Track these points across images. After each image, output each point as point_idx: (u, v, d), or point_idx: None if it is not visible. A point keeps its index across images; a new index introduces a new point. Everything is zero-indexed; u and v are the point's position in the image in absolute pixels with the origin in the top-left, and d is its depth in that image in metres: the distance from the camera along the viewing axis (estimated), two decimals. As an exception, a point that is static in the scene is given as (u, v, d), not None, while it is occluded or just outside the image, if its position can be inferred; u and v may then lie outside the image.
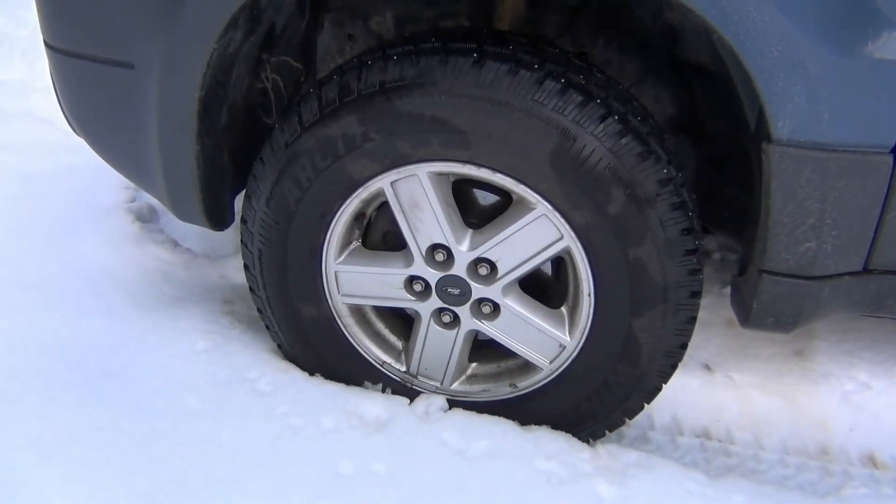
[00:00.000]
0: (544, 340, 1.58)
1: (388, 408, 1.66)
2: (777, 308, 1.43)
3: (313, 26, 1.79)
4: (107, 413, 1.61)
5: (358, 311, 1.71)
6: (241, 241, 1.68)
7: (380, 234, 1.65)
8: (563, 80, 1.36)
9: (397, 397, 1.70)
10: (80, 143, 1.85)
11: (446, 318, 1.63)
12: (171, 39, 1.44)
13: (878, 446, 1.82)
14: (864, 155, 1.26)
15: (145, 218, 2.42)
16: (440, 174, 1.48)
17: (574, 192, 1.41)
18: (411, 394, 1.72)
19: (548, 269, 1.63)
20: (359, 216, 1.60)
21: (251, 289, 1.73)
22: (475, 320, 1.61)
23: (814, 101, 1.23)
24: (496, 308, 1.59)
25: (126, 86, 1.55)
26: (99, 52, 1.55)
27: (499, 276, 1.54)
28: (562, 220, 1.44)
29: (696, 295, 1.48)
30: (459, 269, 1.55)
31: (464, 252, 1.53)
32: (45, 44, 1.67)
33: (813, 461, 1.79)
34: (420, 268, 1.57)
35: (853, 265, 1.38)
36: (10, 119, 3.01)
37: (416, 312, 1.65)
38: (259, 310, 1.75)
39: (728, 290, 1.95)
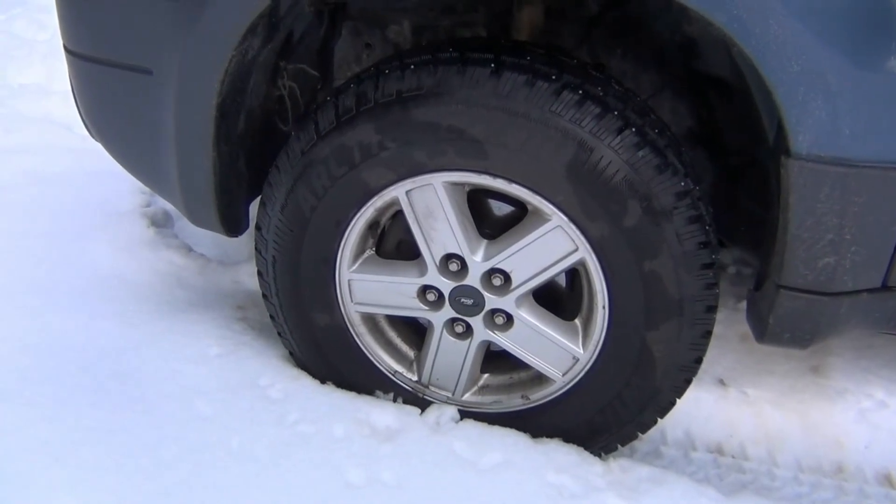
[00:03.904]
0: (557, 352, 1.57)
1: (399, 417, 1.66)
2: (794, 324, 1.42)
3: (331, 35, 1.79)
4: (117, 416, 1.61)
5: (370, 320, 1.70)
6: (255, 247, 1.68)
7: (394, 243, 1.65)
8: (580, 92, 1.36)
9: (408, 407, 1.70)
10: (97, 147, 1.86)
11: (459, 329, 1.62)
12: (190, 46, 1.45)
13: (894, 465, 1.80)
14: (885, 170, 1.25)
15: (160, 223, 2.44)
16: (455, 184, 1.48)
17: (590, 204, 1.40)
18: (422, 404, 1.71)
19: (562, 281, 1.62)
20: (373, 225, 1.60)
21: (264, 295, 1.73)
22: (488, 331, 1.60)
23: (834, 116, 1.21)
24: (509, 319, 1.58)
25: (144, 91, 1.56)
26: (118, 57, 1.56)
27: (513, 287, 1.53)
28: (577, 232, 1.43)
29: (712, 309, 1.47)
30: (473, 279, 1.55)
31: (478, 262, 1.53)
32: (65, 48, 1.68)
33: (828, 479, 1.77)
34: (434, 277, 1.57)
35: (872, 281, 1.37)
36: (28, 122, 3.04)
37: (429, 322, 1.64)
38: (271, 316, 1.75)
39: (743, 304, 1.94)
